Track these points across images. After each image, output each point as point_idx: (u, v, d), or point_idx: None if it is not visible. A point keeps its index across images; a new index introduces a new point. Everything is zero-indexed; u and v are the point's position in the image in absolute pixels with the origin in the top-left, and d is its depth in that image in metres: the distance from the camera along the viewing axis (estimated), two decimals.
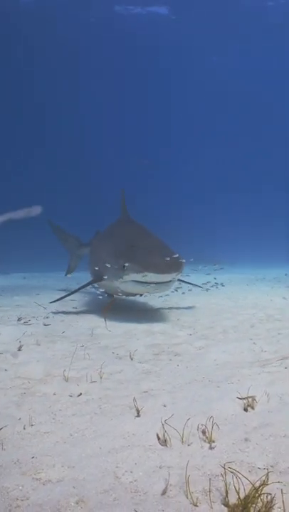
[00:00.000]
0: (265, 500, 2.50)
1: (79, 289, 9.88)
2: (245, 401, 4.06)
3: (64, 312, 9.46)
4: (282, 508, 2.52)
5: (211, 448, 3.25)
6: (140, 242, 8.95)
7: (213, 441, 3.33)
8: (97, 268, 9.67)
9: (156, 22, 40.51)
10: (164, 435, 3.39)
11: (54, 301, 10.09)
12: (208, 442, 3.33)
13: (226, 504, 2.53)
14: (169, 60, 45.07)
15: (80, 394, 4.38)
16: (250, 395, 4.17)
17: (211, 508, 2.53)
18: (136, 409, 3.89)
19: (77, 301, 11.19)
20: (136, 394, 4.32)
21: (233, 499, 2.55)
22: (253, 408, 3.99)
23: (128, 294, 9.14)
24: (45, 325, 7.95)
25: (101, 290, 9.69)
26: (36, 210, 4.41)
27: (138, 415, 3.82)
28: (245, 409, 3.96)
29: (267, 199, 50.92)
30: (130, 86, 48.60)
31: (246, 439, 3.37)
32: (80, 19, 38.80)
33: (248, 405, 4.00)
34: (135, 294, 9.05)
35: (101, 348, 6.17)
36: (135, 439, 3.41)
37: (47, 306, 9.99)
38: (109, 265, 8.76)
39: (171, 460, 3.06)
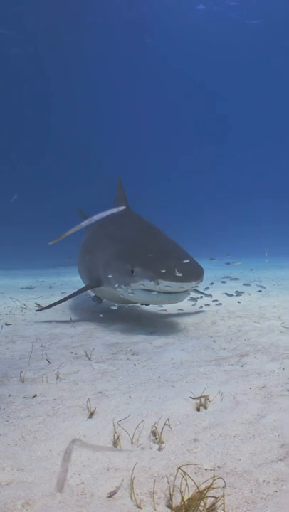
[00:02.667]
0: (208, 502, 2.53)
1: (71, 296, 8.47)
2: (198, 401, 4.09)
3: (26, 311, 9.41)
4: (225, 510, 2.55)
5: (160, 449, 3.27)
6: (151, 242, 7.68)
7: (163, 443, 3.35)
8: (93, 271, 8.42)
9: None
10: (114, 436, 3.41)
11: (41, 309, 8.88)
12: (158, 443, 3.35)
13: (170, 506, 2.56)
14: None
15: (35, 395, 4.37)
16: (204, 394, 4.21)
17: (155, 510, 2.55)
18: (89, 411, 3.90)
19: (41, 298, 11.12)
20: (90, 395, 4.33)
21: (177, 501, 2.58)
22: (205, 408, 4.02)
23: (133, 303, 8.14)
24: (6, 324, 7.92)
25: (93, 295, 8.92)
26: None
27: (90, 417, 3.82)
28: (198, 409, 3.99)
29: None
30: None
31: (195, 440, 3.40)
32: None
33: (201, 405, 4.03)
34: (142, 304, 7.96)
35: (60, 348, 6.16)
36: (86, 441, 3.41)
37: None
38: (111, 269, 7.51)
39: (120, 462, 3.07)
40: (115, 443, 3.35)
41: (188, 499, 2.52)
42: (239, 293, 9.31)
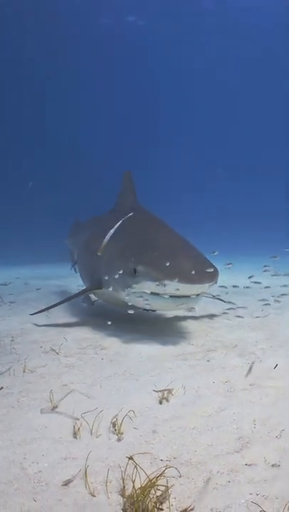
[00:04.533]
0: (159, 490, 2.60)
1: (69, 298, 7.68)
2: (160, 394, 4.16)
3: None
4: (177, 498, 2.62)
5: (118, 440, 3.34)
6: (157, 238, 6.67)
7: (122, 434, 3.43)
8: (93, 272, 7.59)
9: None
10: (74, 428, 3.47)
11: (35, 313, 7.82)
12: (117, 434, 3.42)
13: (123, 494, 2.63)
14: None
15: (1, 388, 4.42)
16: (167, 388, 4.29)
17: (108, 498, 2.63)
18: (52, 403, 3.96)
19: (14, 295, 11.10)
20: (55, 388, 4.39)
21: (130, 490, 2.65)
22: (167, 401, 4.09)
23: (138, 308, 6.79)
24: None
25: (93, 299, 8.17)
26: None
27: (54, 409, 3.89)
28: (160, 402, 4.06)
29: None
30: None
31: (154, 431, 3.48)
32: None
33: (163, 398, 4.11)
34: (149, 310, 6.74)
35: (30, 343, 6.19)
36: (47, 432, 3.48)
37: None
38: (111, 269, 6.63)
39: (78, 452, 3.14)
40: (75, 434, 3.41)
41: (140, 488, 2.58)
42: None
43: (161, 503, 2.54)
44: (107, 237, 6.21)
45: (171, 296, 5.94)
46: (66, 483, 2.76)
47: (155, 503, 2.51)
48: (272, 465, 3.02)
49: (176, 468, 2.92)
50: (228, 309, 8.47)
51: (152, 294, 6.05)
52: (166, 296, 5.94)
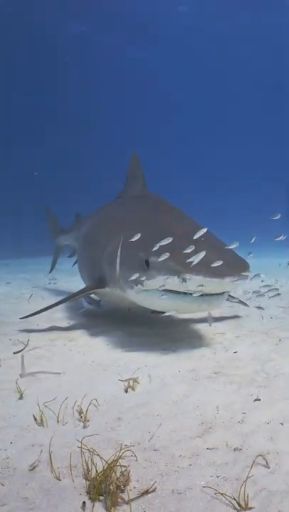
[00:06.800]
0: (118, 474, 2.69)
1: (64, 300, 6.68)
2: (126, 383, 4.26)
3: None
4: (140, 481, 2.72)
5: (84, 427, 3.44)
6: (172, 226, 5.57)
7: (88, 421, 3.52)
8: (95, 267, 6.52)
9: None
10: (41, 416, 3.55)
11: (25, 317, 6.73)
12: (83, 422, 3.51)
13: (87, 478, 2.72)
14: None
15: None
16: (133, 377, 4.38)
17: (73, 481, 2.72)
18: (19, 393, 4.03)
19: None
20: (24, 378, 4.46)
21: (94, 473, 2.74)
22: (133, 389, 4.19)
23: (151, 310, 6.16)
24: None
25: (94, 302, 7.24)
26: None
27: (21, 398, 3.97)
28: (126, 391, 4.16)
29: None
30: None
31: (119, 419, 3.58)
32: None
33: (129, 387, 4.20)
34: (156, 312, 5.97)
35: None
36: (15, 420, 3.56)
37: None
38: (118, 262, 5.55)
39: (45, 439, 3.22)
40: (42, 422, 3.49)
41: (102, 471, 2.68)
42: None
43: (124, 486, 2.63)
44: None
45: (190, 294, 4.94)
46: (32, 468, 2.85)
47: (117, 485, 2.60)
48: (234, 449, 3.13)
49: (131, 452, 3.03)
50: None
51: (167, 291, 5.06)
52: (186, 295, 4.97)
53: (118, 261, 5.52)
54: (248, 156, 54.46)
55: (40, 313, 6.61)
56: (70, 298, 6.61)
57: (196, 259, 4.61)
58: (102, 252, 6.20)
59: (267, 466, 2.90)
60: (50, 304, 6.81)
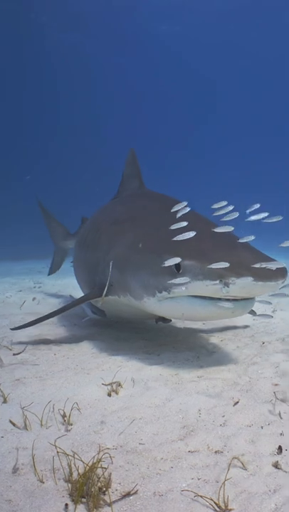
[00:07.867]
0: (100, 476, 2.73)
1: (62, 310, 6.17)
2: (110, 387, 4.29)
3: None
4: (122, 484, 2.76)
5: (67, 430, 3.47)
6: (193, 226, 4.56)
7: (71, 424, 3.56)
8: (96, 273, 6.00)
9: None
10: (24, 419, 3.59)
11: (20, 327, 6.13)
12: (66, 425, 3.55)
13: (69, 480, 2.76)
14: None
15: None
16: (116, 380, 4.41)
17: (56, 484, 2.76)
18: (3, 397, 4.05)
19: None
20: (8, 382, 4.48)
21: (76, 476, 2.78)
22: (117, 393, 4.22)
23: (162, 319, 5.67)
24: None
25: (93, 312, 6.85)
26: None
27: (5, 401, 4.00)
28: (109, 395, 4.19)
29: None
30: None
31: (102, 422, 3.62)
32: None
33: (113, 391, 4.24)
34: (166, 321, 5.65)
35: None
36: None
37: None
38: (133, 266, 5.14)
39: (28, 442, 3.25)
40: (26, 425, 3.52)
41: (83, 474, 2.72)
42: None
43: (106, 488, 2.67)
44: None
45: (226, 300, 4.52)
46: (16, 471, 2.88)
47: (99, 487, 2.64)
48: (216, 451, 3.18)
49: (108, 454, 3.07)
50: None
51: (195, 297, 4.62)
52: (222, 300, 4.51)
53: (131, 266, 5.13)
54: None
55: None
56: (70, 307, 6.05)
57: (235, 261, 4.33)
58: (105, 256, 5.74)
59: (244, 467, 2.97)
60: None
